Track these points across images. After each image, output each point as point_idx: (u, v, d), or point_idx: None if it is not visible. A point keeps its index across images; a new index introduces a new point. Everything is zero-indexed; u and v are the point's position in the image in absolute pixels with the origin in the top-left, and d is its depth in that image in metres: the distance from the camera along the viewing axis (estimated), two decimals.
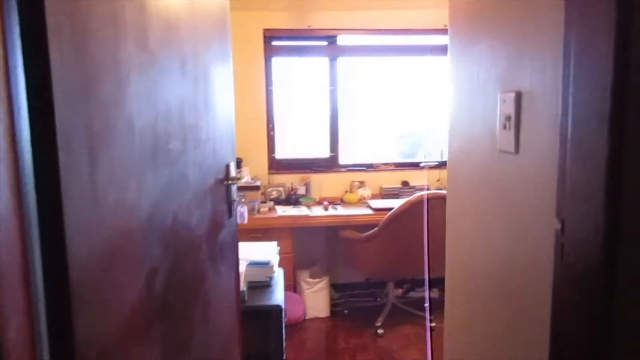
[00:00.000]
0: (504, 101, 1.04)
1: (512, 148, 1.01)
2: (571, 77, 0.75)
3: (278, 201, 3.81)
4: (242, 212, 2.03)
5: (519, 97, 0.99)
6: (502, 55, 1.07)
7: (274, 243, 2.35)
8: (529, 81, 0.95)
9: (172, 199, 1.09)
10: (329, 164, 4.09)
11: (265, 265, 2.09)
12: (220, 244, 1.40)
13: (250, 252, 2.17)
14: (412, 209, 3.11)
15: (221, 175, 1.44)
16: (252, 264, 2.06)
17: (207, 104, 1.30)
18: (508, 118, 1.02)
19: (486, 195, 1.19)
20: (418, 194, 3.22)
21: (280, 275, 2.21)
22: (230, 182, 1.42)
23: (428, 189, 3.86)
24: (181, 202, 1.14)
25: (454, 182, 1.49)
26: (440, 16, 3.92)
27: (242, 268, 1.90)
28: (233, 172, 1.45)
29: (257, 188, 3.59)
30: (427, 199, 3.12)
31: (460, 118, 1.41)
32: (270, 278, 2.10)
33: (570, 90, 0.75)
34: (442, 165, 4.12)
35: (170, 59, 1.08)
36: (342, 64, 4.05)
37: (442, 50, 4.10)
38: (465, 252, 1.37)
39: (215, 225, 1.37)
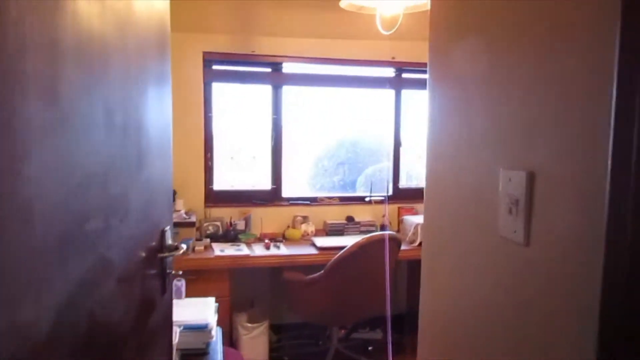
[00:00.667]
0: (509, 180, 0.87)
1: (520, 238, 0.83)
2: (634, 157, 0.58)
3: (215, 237, 3.51)
4: (178, 286, 1.74)
5: (531, 177, 0.82)
6: (507, 119, 0.90)
7: (212, 300, 2.08)
8: (548, 158, 0.78)
9: (88, 295, 0.83)
10: (271, 197, 3.86)
11: (203, 329, 1.81)
12: (150, 331, 1.13)
13: (185, 311, 1.88)
14: (360, 252, 2.93)
15: (154, 243, 1.17)
16: (187, 329, 1.78)
17: (141, 162, 1.04)
18: (515, 202, 0.85)
19: (479, 285, 1.01)
20: (365, 236, 3.06)
21: (219, 339, 1.94)
22: (165, 253, 1.15)
23: (383, 227, 3.72)
24: (101, 296, 0.87)
25: (431, 254, 1.31)
26: (388, 48, 3.84)
27: (175, 338, 1.61)
28: (169, 239, 1.19)
29: (192, 224, 3.28)
30: (377, 241, 2.97)
31: (442, 184, 1.23)
32: (208, 344, 1.82)
33: (633, 172, 0.58)
34: (388, 199, 4.01)
35: (91, 111, 0.83)
36: (287, 93, 3.85)
37: (389, 83, 4.02)
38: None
39: (146, 310, 1.10)
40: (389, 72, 4.02)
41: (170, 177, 1.37)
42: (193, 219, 3.33)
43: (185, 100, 3.57)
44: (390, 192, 4.11)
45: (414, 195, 4.10)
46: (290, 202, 3.85)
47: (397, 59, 3.89)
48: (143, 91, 1.12)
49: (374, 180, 4.06)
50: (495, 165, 0.93)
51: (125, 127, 0.97)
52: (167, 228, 1.21)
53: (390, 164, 4.15)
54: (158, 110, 1.24)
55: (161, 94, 1.32)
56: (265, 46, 3.67)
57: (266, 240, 3.44)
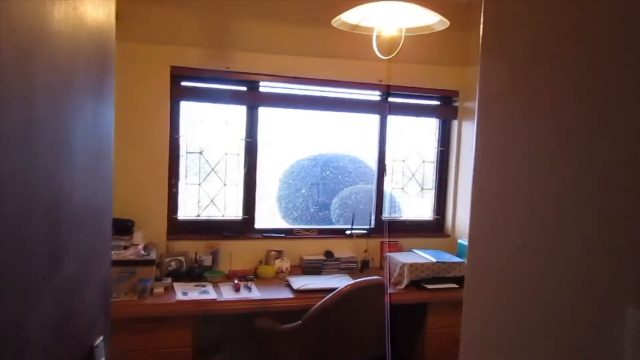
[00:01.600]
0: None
1: None
2: None
3: (178, 275, 3.10)
4: None
5: None
6: None
7: None
8: None
9: None
10: (242, 229, 3.47)
11: None
12: None
13: None
14: (342, 301, 2.58)
15: None
16: None
17: (58, 251, 0.67)
18: None
19: None
20: (350, 282, 2.71)
21: None
22: None
23: (365, 264, 3.40)
24: None
25: None
26: (376, 70, 3.55)
27: None
28: (102, 357, 0.81)
29: (151, 262, 2.87)
30: (361, 289, 2.62)
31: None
32: None
33: None
34: (370, 233, 3.68)
35: None
36: (263, 114, 3.50)
37: (375, 107, 3.71)
38: None
39: None
40: (375, 95, 3.72)
41: (108, 262, 0.99)
42: (153, 255, 2.92)
43: (149, 119, 3.18)
44: (372, 225, 3.79)
45: (398, 228, 3.79)
46: (264, 234, 3.48)
47: (386, 82, 3.60)
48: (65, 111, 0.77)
49: (355, 212, 3.73)
50: (613, 303, 0.59)
51: (37, 199, 0.61)
52: (99, 341, 0.82)
53: (373, 193, 3.83)
54: (91, 138, 0.88)
55: (99, 113, 0.97)
56: (241, 62, 3.32)
57: (236, 280, 3.05)
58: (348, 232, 3.64)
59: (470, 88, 3.69)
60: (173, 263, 3.16)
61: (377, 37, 2.09)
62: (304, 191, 5.59)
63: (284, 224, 3.75)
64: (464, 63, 3.74)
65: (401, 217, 3.95)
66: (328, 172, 7.27)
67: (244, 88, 3.42)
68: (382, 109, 3.71)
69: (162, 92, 3.18)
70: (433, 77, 3.71)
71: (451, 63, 3.74)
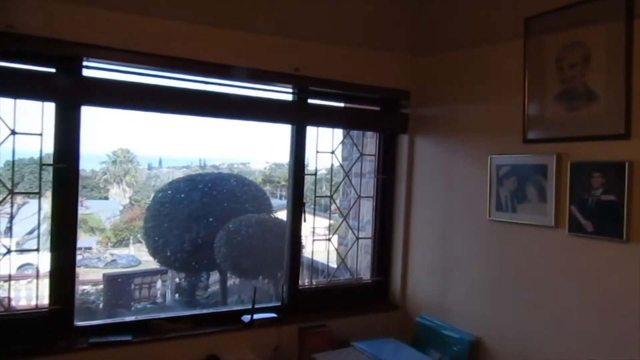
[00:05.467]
0: None
1: None
2: None
3: None
4: None
5: None
6: None
7: None
8: None
9: None
10: (52, 329, 1.86)
11: None
12: None
13: None
14: None
15: None
16: None
17: None
18: None
19: None
20: None
21: None
22: None
23: None
24: None
25: None
26: (293, 53, 2.18)
27: None
28: None
29: None
30: None
31: None
32: None
33: None
34: (283, 317, 2.27)
35: None
36: (90, 116, 1.95)
37: (284, 112, 2.34)
38: None
39: None
40: (287, 92, 2.35)
41: None
42: None
43: None
44: (285, 299, 2.38)
45: (325, 298, 2.44)
46: (91, 341, 1.89)
47: (305, 72, 2.24)
48: None
49: (257, 286, 2.30)
50: None
51: None
52: None
53: (285, 252, 2.43)
54: None
55: None
56: (44, 19, 1.74)
57: None
58: (246, 317, 2.19)
59: (428, 85, 2.47)
60: None
61: None
62: (175, 223, 4.47)
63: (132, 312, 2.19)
64: (418, 51, 2.51)
65: (326, 280, 2.60)
66: (209, 198, 5.74)
67: (52, 69, 1.83)
68: (298, 114, 2.34)
69: None
70: (371, 68, 2.43)
71: (398, 47, 2.49)
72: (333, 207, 2.71)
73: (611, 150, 1.68)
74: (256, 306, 2.23)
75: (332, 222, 2.75)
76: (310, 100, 2.37)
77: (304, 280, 2.54)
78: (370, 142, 2.69)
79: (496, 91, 2.11)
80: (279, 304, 2.36)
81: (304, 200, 2.36)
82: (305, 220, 2.39)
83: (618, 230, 1.63)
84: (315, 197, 2.46)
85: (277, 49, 2.17)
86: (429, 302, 2.40)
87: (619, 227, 1.63)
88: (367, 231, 2.71)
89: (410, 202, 2.55)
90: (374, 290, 2.63)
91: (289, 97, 2.34)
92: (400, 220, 2.57)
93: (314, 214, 2.44)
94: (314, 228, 2.47)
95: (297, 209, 2.37)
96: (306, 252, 2.64)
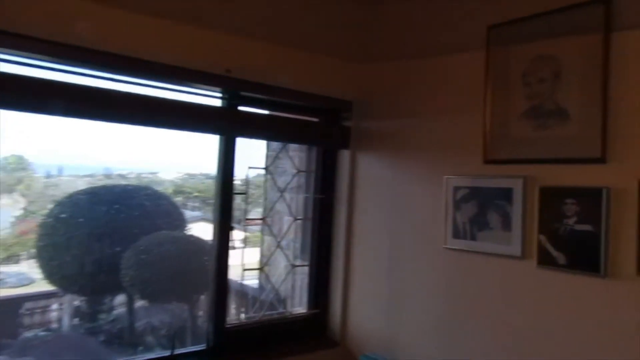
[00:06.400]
0: None
1: None
2: None
3: None
4: None
5: None
6: None
7: None
8: None
9: None
10: None
11: None
12: None
13: None
14: None
15: None
16: None
17: None
18: None
19: None
20: None
21: None
22: None
23: None
24: None
25: None
26: (224, 52, 1.84)
27: None
28: None
29: None
30: None
31: None
32: None
33: None
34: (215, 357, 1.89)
35: None
36: None
37: (212, 119, 1.98)
38: None
39: None
40: (216, 97, 1.99)
41: None
42: None
43: None
44: (211, 341, 2.01)
45: (255, 340, 2.09)
46: None
47: (236, 74, 1.90)
48: None
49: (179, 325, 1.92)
50: None
51: None
52: None
53: (210, 286, 2.06)
54: None
55: None
56: None
57: None
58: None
59: (376, 96, 2.23)
60: None
61: None
62: (75, 242, 4.05)
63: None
64: (364, 57, 2.27)
65: (257, 315, 2.26)
66: (115, 213, 5.18)
67: None
68: (227, 123, 1.99)
69: None
70: (312, 73, 2.15)
71: (343, 52, 2.23)
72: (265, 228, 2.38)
73: (586, 175, 1.52)
74: (176, 352, 1.83)
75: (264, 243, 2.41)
76: (242, 107, 2.04)
77: (231, 311, 2.17)
78: (300, 156, 2.40)
79: (453, 105, 1.91)
80: (203, 346, 1.98)
81: (232, 225, 2.02)
82: (233, 245, 2.04)
83: (595, 264, 1.47)
84: (246, 219, 2.11)
85: (203, 44, 1.81)
86: (373, 337, 2.14)
87: (596, 260, 1.47)
88: (303, 257, 2.40)
89: (351, 226, 2.29)
90: (310, 324, 2.32)
91: (218, 103, 1.99)
92: (341, 246, 2.30)
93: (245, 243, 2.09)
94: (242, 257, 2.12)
95: (224, 234, 2.01)
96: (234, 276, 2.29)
